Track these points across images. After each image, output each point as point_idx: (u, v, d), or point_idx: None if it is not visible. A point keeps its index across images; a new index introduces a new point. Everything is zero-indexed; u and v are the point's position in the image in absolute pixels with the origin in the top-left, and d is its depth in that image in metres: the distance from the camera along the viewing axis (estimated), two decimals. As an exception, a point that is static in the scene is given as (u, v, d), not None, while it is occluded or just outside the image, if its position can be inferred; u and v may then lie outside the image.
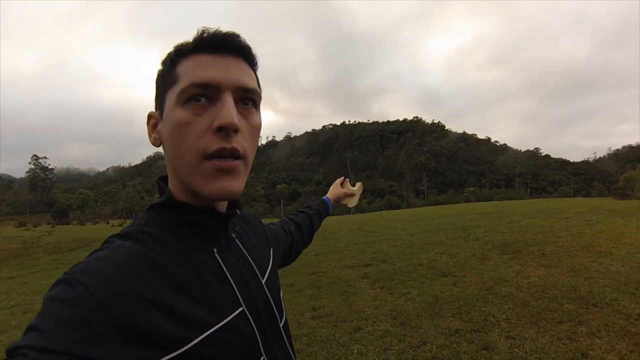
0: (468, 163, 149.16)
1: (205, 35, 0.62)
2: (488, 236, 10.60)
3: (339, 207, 1.59)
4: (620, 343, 3.87)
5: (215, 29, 0.63)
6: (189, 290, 0.59)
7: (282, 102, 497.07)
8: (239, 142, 0.61)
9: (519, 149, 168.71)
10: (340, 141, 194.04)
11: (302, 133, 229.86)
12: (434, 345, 4.15)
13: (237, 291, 0.66)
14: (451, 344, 4.16)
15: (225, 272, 0.67)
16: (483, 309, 5.14)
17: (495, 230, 11.57)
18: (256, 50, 0.68)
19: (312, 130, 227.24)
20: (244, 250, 0.76)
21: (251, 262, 0.75)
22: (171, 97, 0.62)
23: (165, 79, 0.64)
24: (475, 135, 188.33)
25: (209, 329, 0.58)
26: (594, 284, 5.75)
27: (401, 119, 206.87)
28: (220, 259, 0.68)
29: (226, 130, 0.59)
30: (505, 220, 13.76)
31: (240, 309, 0.65)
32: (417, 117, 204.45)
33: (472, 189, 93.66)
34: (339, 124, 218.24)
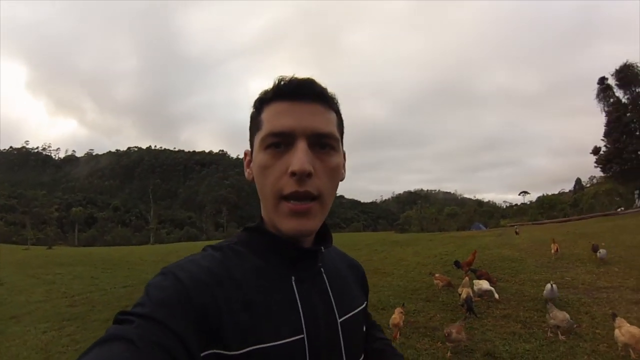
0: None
1: (282, 83, 0.73)
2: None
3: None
4: (404, 330, 5.58)
5: (291, 77, 0.74)
6: (254, 304, 0.68)
7: (90, 112, 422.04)
8: (314, 184, 0.69)
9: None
10: (143, 166, 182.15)
11: (105, 152, 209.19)
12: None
13: (302, 319, 0.71)
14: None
15: (296, 300, 0.73)
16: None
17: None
18: (333, 92, 0.78)
19: (117, 150, 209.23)
20: (328, 287, 0.81)
21: (332, 299, 0.79)
22: (257, 141, 0.75)
23: (253, 124, 0.78)
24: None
25: (260, 344, 0.65)
26: (381, 295, 7.58)
27: (207, 151, 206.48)
28: (296, 287, 0.74)
29: (298, 176, 0.67)
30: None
31: (301, 336, 0.70)
32: (223, 150, 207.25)
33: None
34: (144, 147, 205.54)
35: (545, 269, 8.62)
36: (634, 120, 35.20)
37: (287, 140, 0.70)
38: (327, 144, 0.73)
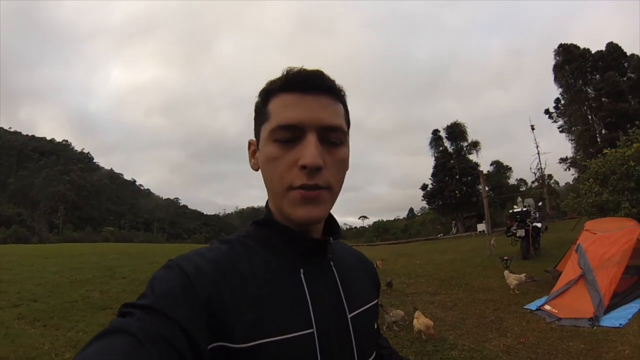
0: (110, 202, 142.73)
1: (290, 75, 0.74)
2: (134, 274, 11.88)
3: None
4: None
5: (299, 68, 0.74)
6: (261, 297, 0.70)
7: None
8: (323, 177, 0.71)
9: (161, 195, 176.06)
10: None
11: None
12: None
13: (312, 313, 0.72)
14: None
15: (305, 293, 0.74)
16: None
17: (140, 270, 12.81)
18: (341, 85, 0.78)
19: None
20: (338, 281, 0.81)
21: (341, 293, 0.80)
22: (264, 132, 0.75)
23: (259, 114, 0.78)
24: (122, 175, 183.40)
25: (267, 338, 0.66)
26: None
27: (48, 138, 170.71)
28: (305, 280, 0.75)
29: (309, 169, 0.69)
30: (147, 261, 15.28)
31: (310, 330, 0.71)
32: (66, 140, 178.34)
33: (111, 228, 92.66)
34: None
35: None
36: (456, 166, 45.60)
37: (297, 133, 0.72)
38: (336, 137, 0.75)
